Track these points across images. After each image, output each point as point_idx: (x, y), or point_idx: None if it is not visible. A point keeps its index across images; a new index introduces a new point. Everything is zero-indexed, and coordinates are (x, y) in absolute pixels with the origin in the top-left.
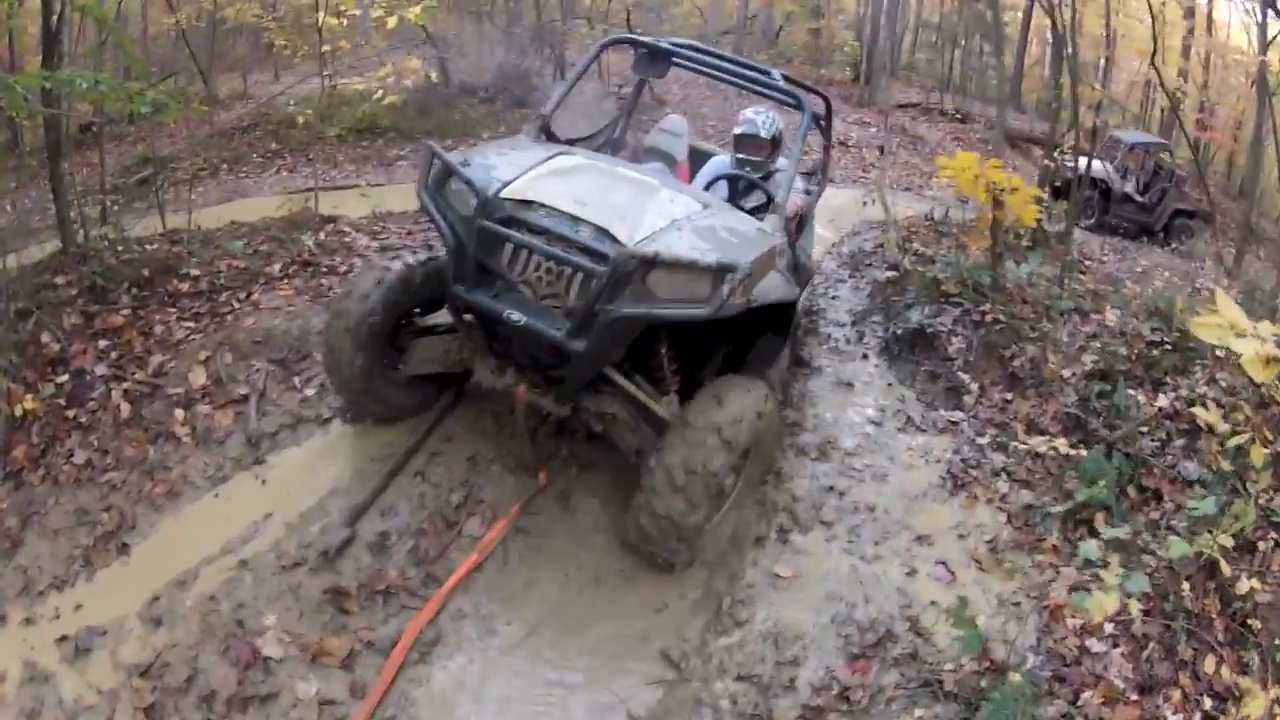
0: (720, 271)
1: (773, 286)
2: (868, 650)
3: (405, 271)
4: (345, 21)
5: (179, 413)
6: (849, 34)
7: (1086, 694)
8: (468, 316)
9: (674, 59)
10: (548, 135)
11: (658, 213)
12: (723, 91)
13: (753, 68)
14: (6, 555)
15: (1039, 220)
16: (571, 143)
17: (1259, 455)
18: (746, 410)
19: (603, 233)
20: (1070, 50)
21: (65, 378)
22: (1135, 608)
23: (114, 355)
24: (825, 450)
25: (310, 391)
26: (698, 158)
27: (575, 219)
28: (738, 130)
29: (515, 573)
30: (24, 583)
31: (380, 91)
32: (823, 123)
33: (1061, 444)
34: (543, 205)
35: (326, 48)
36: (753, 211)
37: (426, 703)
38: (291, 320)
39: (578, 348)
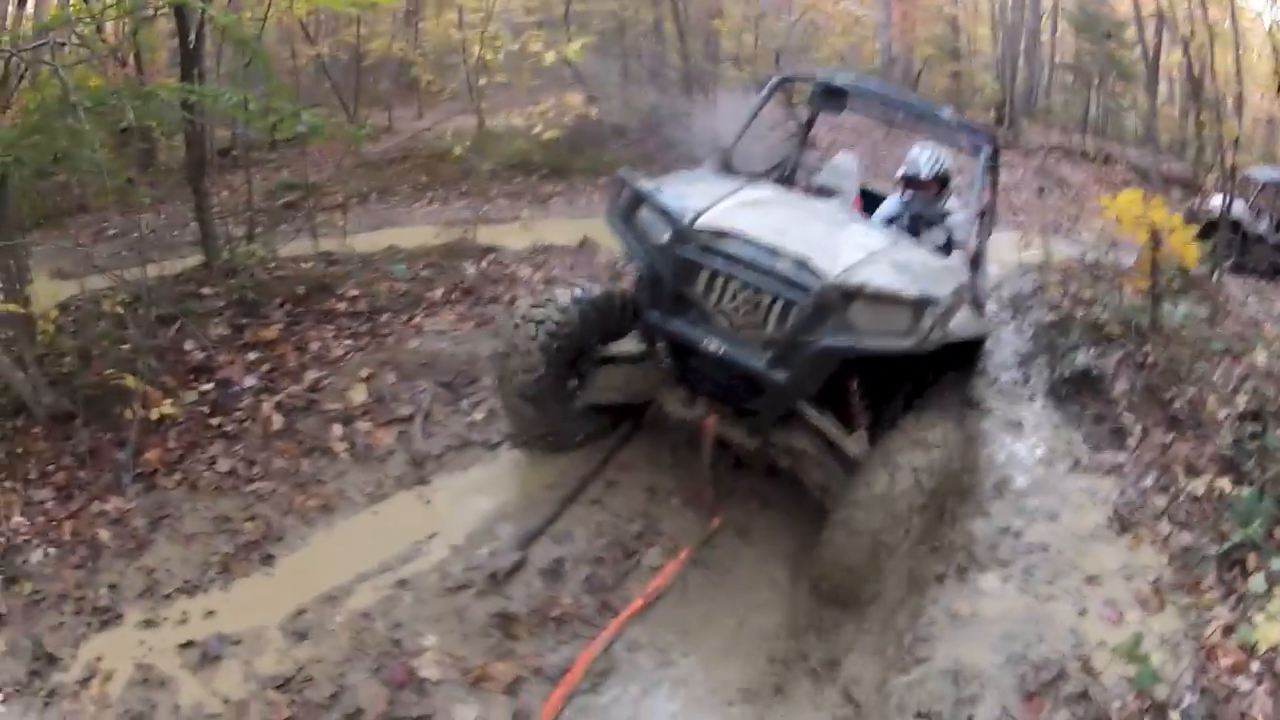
0: (921, 304)
1: (965, 322)
2: (1042, 688)
3: (598, 298)
4: (499, 55)
5: (337, 428)
6: (988, 75)
7: None
8: (659, 345)
9: (851, 95)
10: (728, 168)
11: (854, 245)
12: (871, 134)
13: (925, 106)
14: (130, 555)
15: (1196, 260)
16: (751, 177)
17: None
18: (948, 449)
19: (802, 264)
20: (1204, 84)
21: (209, 386)
22: None
23: (265, 368)
24: (999, 492)
25: (478, 416)
26: (869, 201)
27: (773, 250)
28: (902, 171)
29: (693, 605)
30: (147, 584)
31: (540, 126)
32: (993, 162)
33: (1218, 484)
34: (739, 235)
35: (483, 81)
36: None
37: (615, 691)
38: (459, 344)
39: (779, 379)
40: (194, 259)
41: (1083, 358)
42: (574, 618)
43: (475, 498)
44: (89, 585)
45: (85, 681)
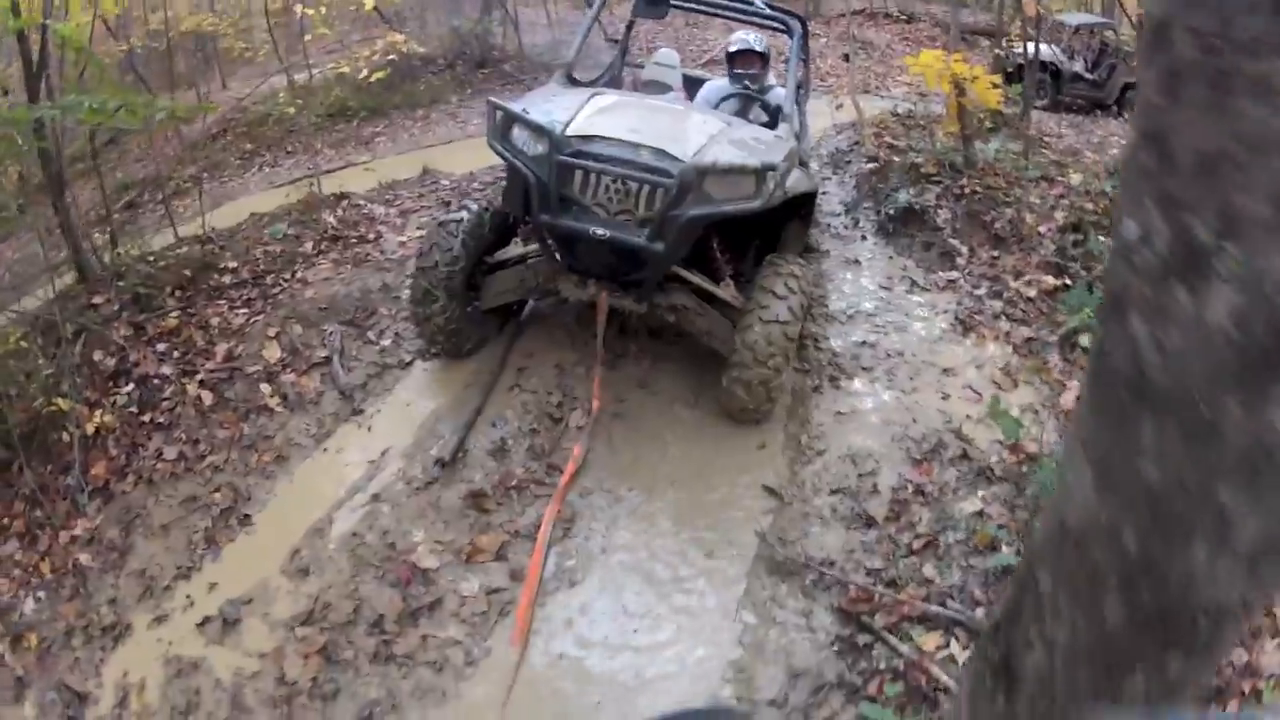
0: (762, 171)
1: (798, 180)
2: (927, 456)
3: (494, 211)
4: (322, 10)
5: (264, 387)
6: None
7: None
8: (550, 241)
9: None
10: (572, 81)
11: (698, 131)
12: (673, 28)
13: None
14: (116, 566)
15: (998, 106)
16: (590, 85)
17: None
18: (802, 283)
19: (661, 153)
20: None
21: (130, 387)
22: None
23: (176, 355)
24: (851, 315)
25: (386, 342)
26: (690, 84)
27: (635, 145)
28: (732, 48)
29: (621, 452)
30: (143, 586)
31: (365, 70)
32: (804, 40)
33: (1047, 284)
34: (603, 137)
35: (308, 37)
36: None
37: (580, 566)
38: (349, 285)
39: (658, 249)
40: (65, 279)
41: (905, 196)
42: (529, 482)
43: (407, 411)
44: (89, 611)
45: (122, 702)
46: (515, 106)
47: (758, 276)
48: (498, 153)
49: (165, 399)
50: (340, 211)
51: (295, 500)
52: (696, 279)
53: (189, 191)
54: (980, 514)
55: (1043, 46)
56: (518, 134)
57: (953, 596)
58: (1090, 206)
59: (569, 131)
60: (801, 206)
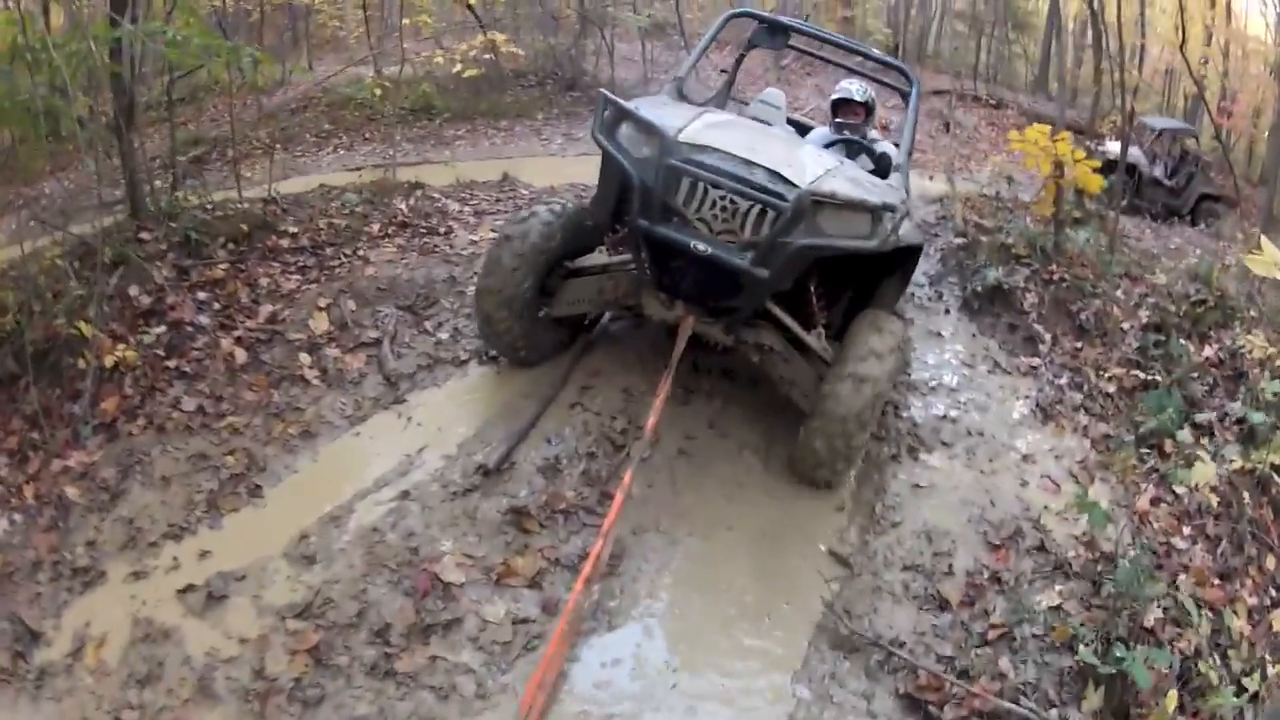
0: (880, 211)
1: (910, 231)
2: (1004, 542)
3: (571, 214)
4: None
5: (304, 356)
6: (879, 22)
7: (1181, 577)
8: (642, 252)
9: (793, 32)
10: (682, 96)
11: (814, 162)
12: (766, 80)
13: (858, 44)
14: (104, 508)
15: (1091, 196)
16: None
17: None
18: (900, 341)
19: (776, 175)
20: (1107, 36)
21: (161, 329)
22: (1212, 498)
23: (216, 306)
24: (933, 388)
25: (444, 335)
26: (794, 129)
27: (749, 163)
28: (835, 95)
29: (683, 493)
30: (128, 535)
31: (459, 65)
32: (917, 97)
33: (1128, 383)
34: (717, 150)
35: (406, 21)
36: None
37: (623, 609)
38: (413, 270)
39: (761, 275)
40: (118, 216)
41: (993, 274)
42: (579, 508)
43: (455, 411)
44: (63, 547)
45: (77, 653)
46: (628, 104)
47: (852, 329)
48: (601, 146)
49: (195, 348)
50: (413, 200)
51: (315, 481)
52: (788, 321)
53: (259, 158)
54: (1058, 609)
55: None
56: (626, 132)
57: (1026, 694)
58: (1173, 309)
59: (682, 138)
60: (904, 262)
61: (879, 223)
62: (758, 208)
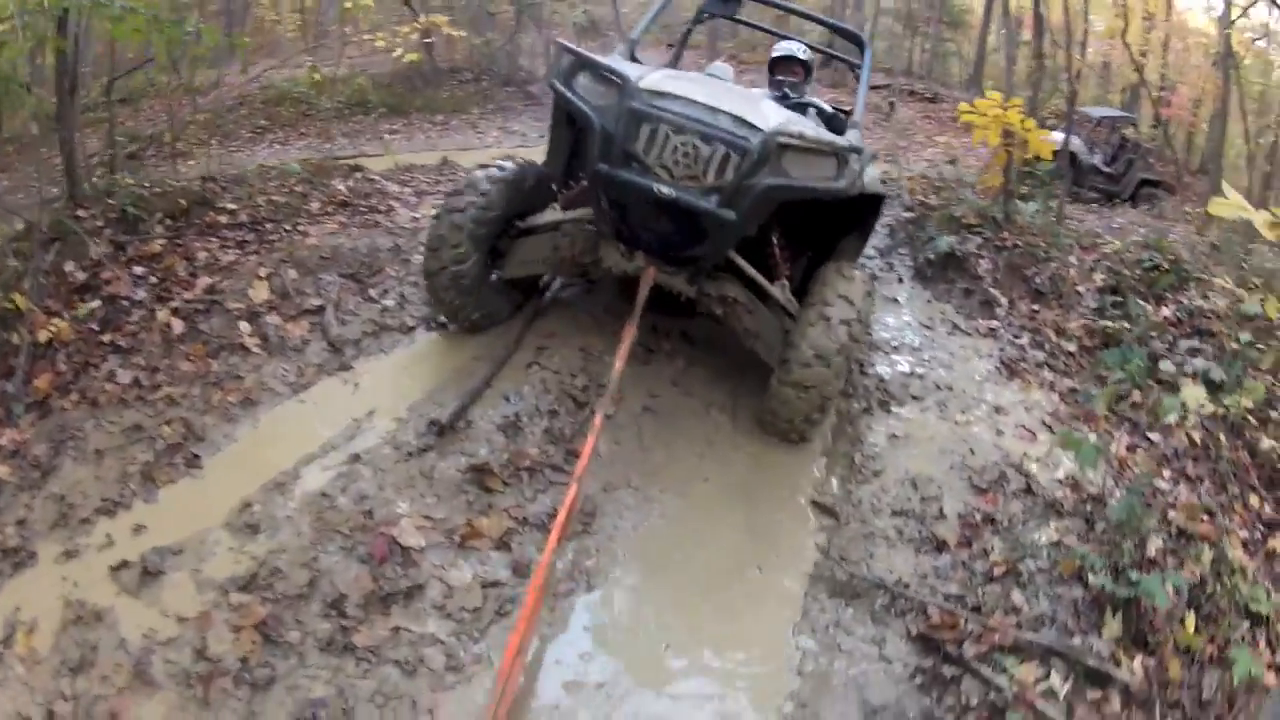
0: (844, 155)
1: (874, 179)
2: (990, 486)
3: (511, 175)
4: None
5: (244, 325)
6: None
7: (1172, 513)
8: (602, 200)
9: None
10: (634, 58)
11: (772, 112)
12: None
13: (808, 11)
14: (34, 486)
15: (1046, 160)
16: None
17: (1273, 309)
18: (868, 288)
19: (740, 120)
20: (1049, 23)
21: (97, 304)
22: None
23: (153, 280)
24: (896, 347)
25: (389, 303)
26: None
27: (713, 109)
28: (776, 54)
29: (652, 450)
30: (59, 512)
31: (400, 50)
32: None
33: (1089, 343)
34: (678, 96)
35: (348, 28)
36: None
37: (601, 567)
38: (356, 240)
39: (728, 217)
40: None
41: (946, 242)
42: (544, 466)
43: (403, 376)
44: None
45: (7, 640)
46: (587, 53)
47: (818, 278)
48: (559, 94)
49: (131, 322)
50: (352, 182)
51: (256, 448)
52: (751, 272)
53: (195, 155)
54: (1058, 544)
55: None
56: (584, 81)
57: (1044, 625)
58: (1127, 273)
59: (643, 85)
60: (865, 216)
61: (845, 165)
62: (722, 151)
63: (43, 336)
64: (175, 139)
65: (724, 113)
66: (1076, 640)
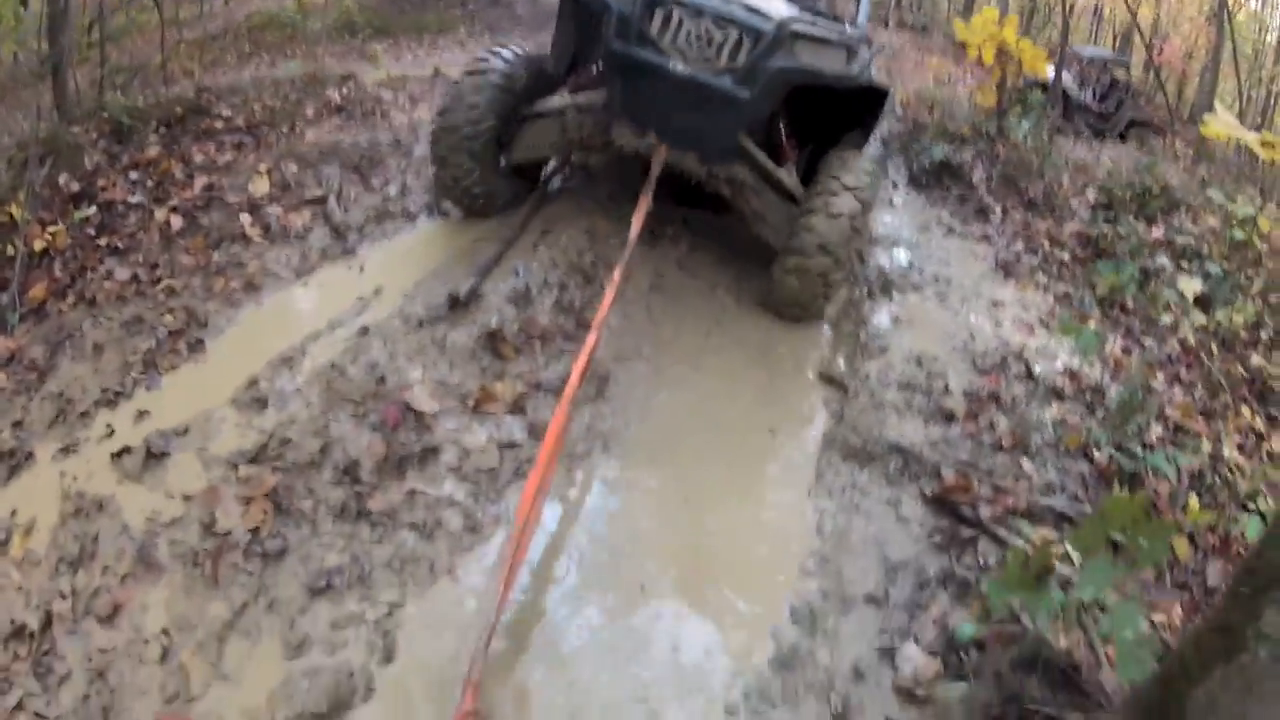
0: (854, 45)
1: (878, 76)
2: (993, 369)
3: (531, 57)
4: None
5: (245, 217)
6: None
7: (1169, 410)
8: (614, 79)
9: None
10: None
11: (786, 8)
12: None
13: None
14: (31, 388)
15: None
16: None
17: (1265, 223)
18: (873, 177)
19: (753, 10)
20: None
21: (92, 210)
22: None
23: (150, 184)
24: (894, 243)
25: (392, 191)
26: None
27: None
28: None
29: (661, 324)
30: (58, 409)
31: None
32: None
33: (1082, 254)
34: None
35: None
36: None
37: (617, 431)
38: (356, 136)
39: (743, 95)
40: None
41: (940, 151)
42: (556, 334)
43: (408, 259)
44: None
45: (2, 545)
46: None
47: (823, 165)
48: None
49: (128, 224)
50: (346, 90)
51: (261, 330)
52: (760, 156)
53: (182, 82)
54: (1063, 422)
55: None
56: None
57: (1055, 493)
58: (1119, 193)
59: None
60: (868, 109)
61: (854, 56)
62: (736, 34)
63: (38, 246)
64: (164, 64)
65: (737, 2)
66: (1086, 507)
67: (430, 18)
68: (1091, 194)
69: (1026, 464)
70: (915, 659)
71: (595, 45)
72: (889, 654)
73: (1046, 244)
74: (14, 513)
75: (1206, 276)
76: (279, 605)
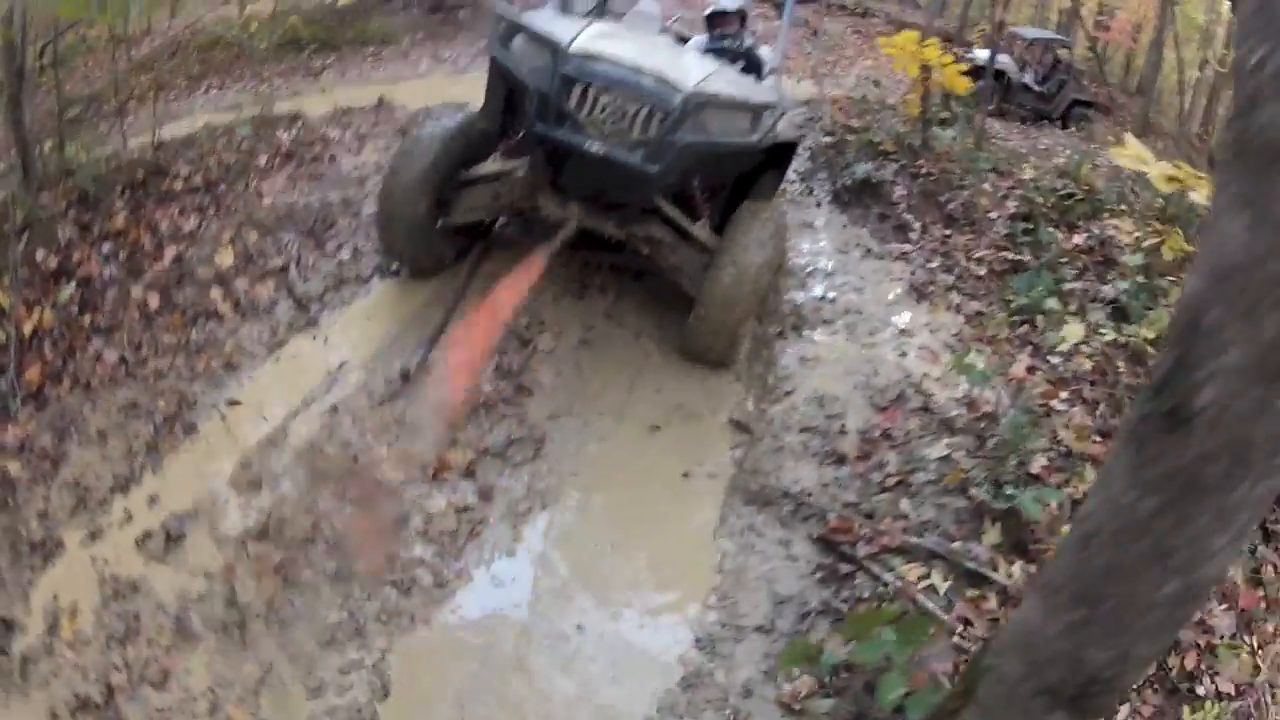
0: (759, 110)
1: (787, 127)
2: (891, 404)
3: (467, 123)
4: None
5: (215, 291)
6: None
7: (1062, 433)
8: (537, 155)
9: None
10: (566, 9)
11: (696, 67)
12: None
13: None
14: (48, 476)
15: (959, 97)
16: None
17: (1169, 250)
18: (779, 230)
19: (663, 80)
20: None
21: (72, 287)
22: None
23: (122, 256)
24: (809, 273)
25: (345, 255)
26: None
27: (637, 69)
28: (709, 10)
29: (590, 379)
30: (77, 498)
31: None
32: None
33: (998, 264)
34: (607, 58)
35: None
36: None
37: (554, 488)
38: (308, 196)
39: (652, 170)
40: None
41: (863, 168)
42: (497, 401)
43: (366, 326)
44: (16, 524)
45: (52, 629)
46: (520, 18)
47: (733, 220)
48: (497, 61)
49: (108, 302)
50: (294, 131)
51: (245, 409)
52: (674, 214)
53: (135, 110)
54: (947, 458)
55: (997, 55)
56: (519, 45)
57: (929, 531)
58: (1041, 200)
59: (573, 49)
60: (781, 158)
61: (759, 120)
62: (647, 109)
63: (27, 329)
64: (117, 95)
65: (648, 72)
66: (958, 545)
67: (374, 27)
68: (1013, 203)
69: (905, 503)
70: (795, 678)
71: (521, 114)
72: (773, 674)
73: (963, 259)
74: (55, 597)
75: (1123, 286)
76: (297, 659)
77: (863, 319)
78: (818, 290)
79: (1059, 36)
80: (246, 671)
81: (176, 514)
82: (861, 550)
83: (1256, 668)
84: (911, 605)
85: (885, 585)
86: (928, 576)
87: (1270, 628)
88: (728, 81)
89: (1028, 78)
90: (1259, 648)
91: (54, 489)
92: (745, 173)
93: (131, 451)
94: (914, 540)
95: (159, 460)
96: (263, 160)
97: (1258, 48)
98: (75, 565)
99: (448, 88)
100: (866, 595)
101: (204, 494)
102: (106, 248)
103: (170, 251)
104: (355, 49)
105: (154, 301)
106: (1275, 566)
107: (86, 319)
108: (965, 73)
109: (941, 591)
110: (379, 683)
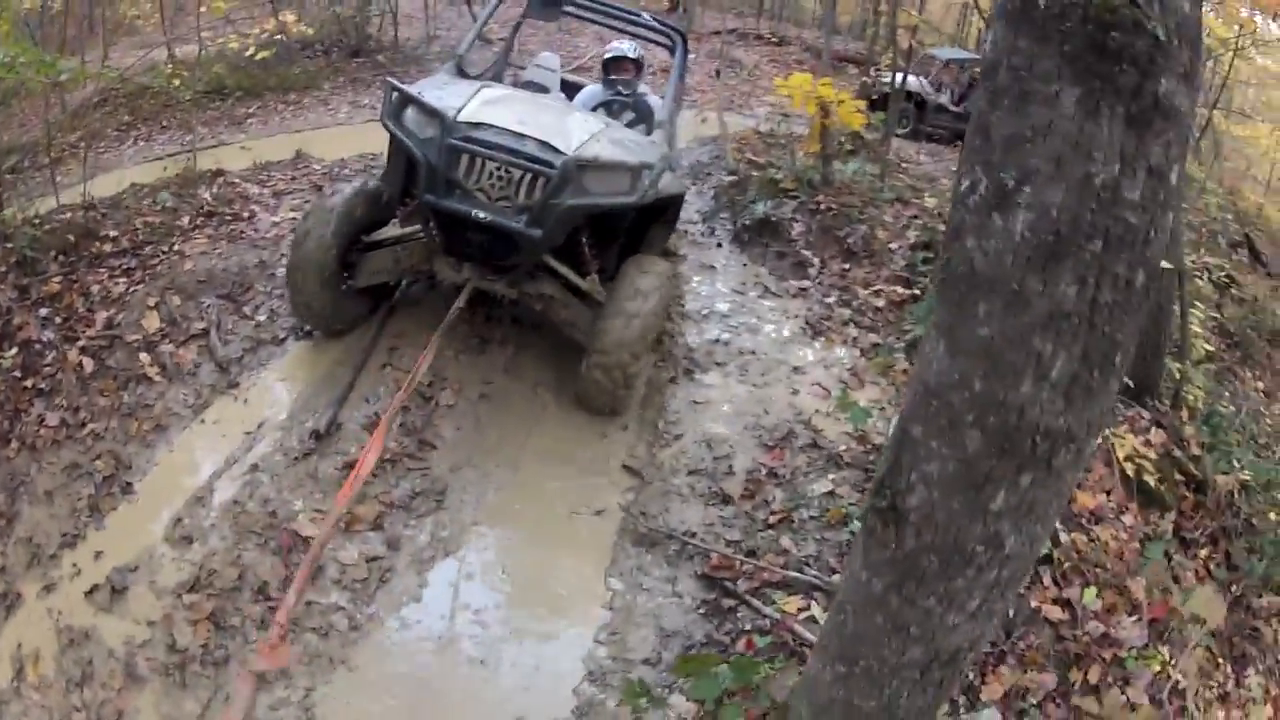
0: (639, 170)
1: (669, 183)
2: (779, 443)
3: (370, 191)
4: None
5: (144, 356)
6: None
7: None
8: (430, 223)
9: (565, 4)
10: (462, 73)
11: (579, 129)
12: (546, 33)
13: (630, 11)
14: (3, 534)
15: (861, 129)
16: (478, 79)
17: None
18: (664, 279)
19: (545, 145)
20: None
21: (14, 351)
22: None
23: (58, 320)
24: (705, 315)
25: (261, 317)
26: (567, 89)
27: (521, 135)
28: (608, 55)
29: (487, 432)
30: (31, 553)
31: (252, 48)
32: (684, 53)
33: (896, 294)
34: (492, 125)
35: (203, 9)
36: (630, 126)
37: (454, 537)
38: (226, 259)
39: (535, 235)
40: None
41: (761, 207)
42: (403, 456)
43: (282, 386)
44: None
45: (19, 674)
46: (411, 89)
47: (621, 272)
48: (390, 131)
49: (47, 364)
50: (216, 189)
51: (175, 469)
52: (564, 270)
53: (68, 160)
54: (831, 494)
55: (910, 78)
56: (411, 115)
57: (810, 564)
58: (941, 229)
59: (460, 118)
60: (668, 209)
61: (638, 180)
62: (529, 175)
63: None
64: (49, 148)
65: (531, 138)
66: (838, 578)
67: (296, 73)
68: (913, 233)
69: (787, 540)
70: (679, 707)
71: (417, 183)
72: (663, 703)
73: (861, 292)
74: (19, 645)
75: None
76: (232, 698)
77: (756, 359)
78: (713, 333)
79: (973, 55)
80: (188, 709)
81: (119, 568)
82: (743, 586)
83: (1168, 676)
84: (789, 636)
85: (765, 618)
86: (808, 609)
87: (1185, 635)
88: (611, 141)
89: (944, 98)
90: (1171, 658)
91: (10, 545)
92: (635, 226)
93: (76, 510)
94: (793, 574)
95: (101, 519)
96: (185, 220)
97: (968, 175)
98: (34, 615)
99: (366, 134)
100: (748, 628)
101: (143, 549)
102: (44, 311)
103: (101, 316)
104: (278, 96)
105: (89, 365)
106: (1195, 573)
107: (29, 382)
108: (872, 102)
109: (821, 622)
110: (305, 717)
